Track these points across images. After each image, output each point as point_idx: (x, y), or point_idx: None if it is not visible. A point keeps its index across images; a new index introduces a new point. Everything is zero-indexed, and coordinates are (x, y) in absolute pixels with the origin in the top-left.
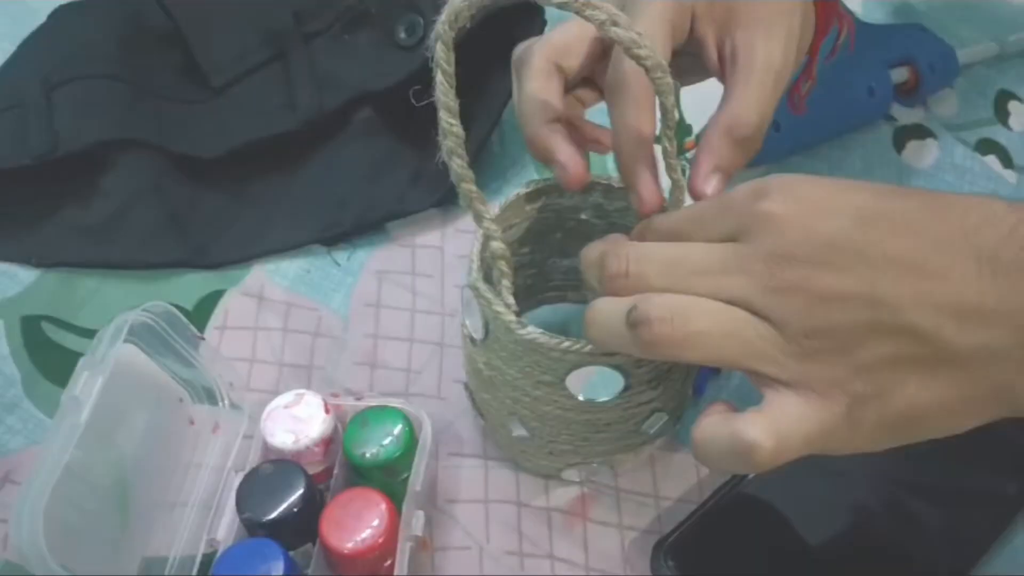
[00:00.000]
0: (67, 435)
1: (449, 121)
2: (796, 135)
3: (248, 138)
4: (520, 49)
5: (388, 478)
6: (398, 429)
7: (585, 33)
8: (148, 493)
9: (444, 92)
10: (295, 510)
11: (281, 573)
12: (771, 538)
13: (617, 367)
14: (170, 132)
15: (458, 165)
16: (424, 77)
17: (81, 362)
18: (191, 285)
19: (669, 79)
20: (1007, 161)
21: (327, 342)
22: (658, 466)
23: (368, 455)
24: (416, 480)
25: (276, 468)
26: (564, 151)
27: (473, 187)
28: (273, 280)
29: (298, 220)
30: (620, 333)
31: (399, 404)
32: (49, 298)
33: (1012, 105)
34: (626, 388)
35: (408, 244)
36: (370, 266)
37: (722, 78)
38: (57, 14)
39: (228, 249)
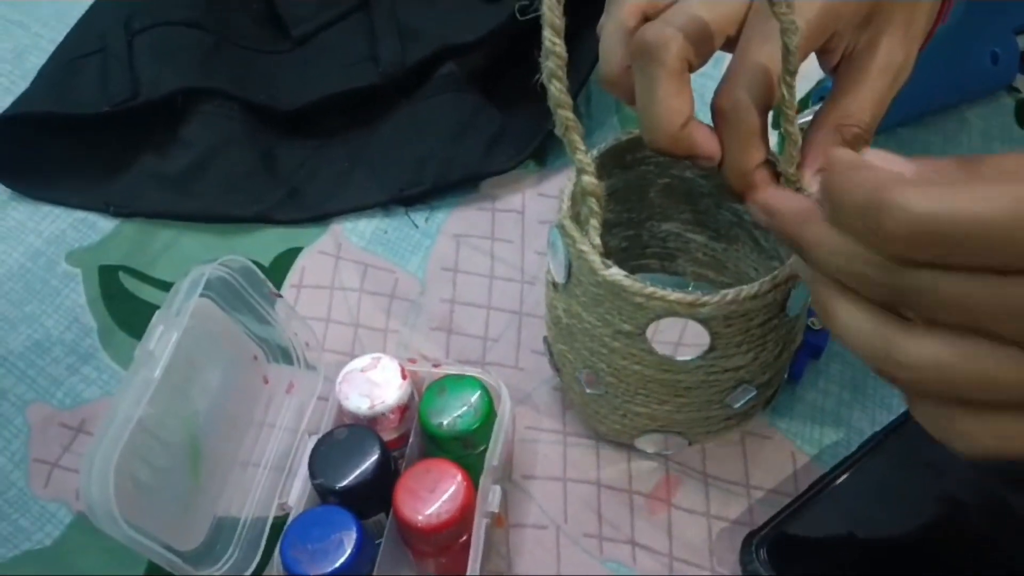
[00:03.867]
0: (140, 389)
1: (553, 40)
2: (908, 103)
3: (328, 91)
4: (649, 36)
5: (465, 450)
6: (476, 399)
7: (715, 22)
8: (221, 451)
9: (551, 7)
10: (369, 478)
11: (354, 543)
12: (868, 535)
13: (703, 321)
14: (250, 83)
15: (557, 89)
16: (510, 32)
17: (156, 315)
18: (268, 241)
19: (794, 17)
20: None
21: (404, 305)
22: (750, 452)
23: (445, 424)
24: (493, 454)
25: (351, 433)
26: (708, 144)
27: (571, 114)
28: (351, 239)
29: (377, 178)
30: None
31: (477, 373)
32: (127, 248)
33: None
34: (711, 349)
35: (488, 207)
36: (448, 229)
37: (832, 72)
38: None
39: (306, 205)
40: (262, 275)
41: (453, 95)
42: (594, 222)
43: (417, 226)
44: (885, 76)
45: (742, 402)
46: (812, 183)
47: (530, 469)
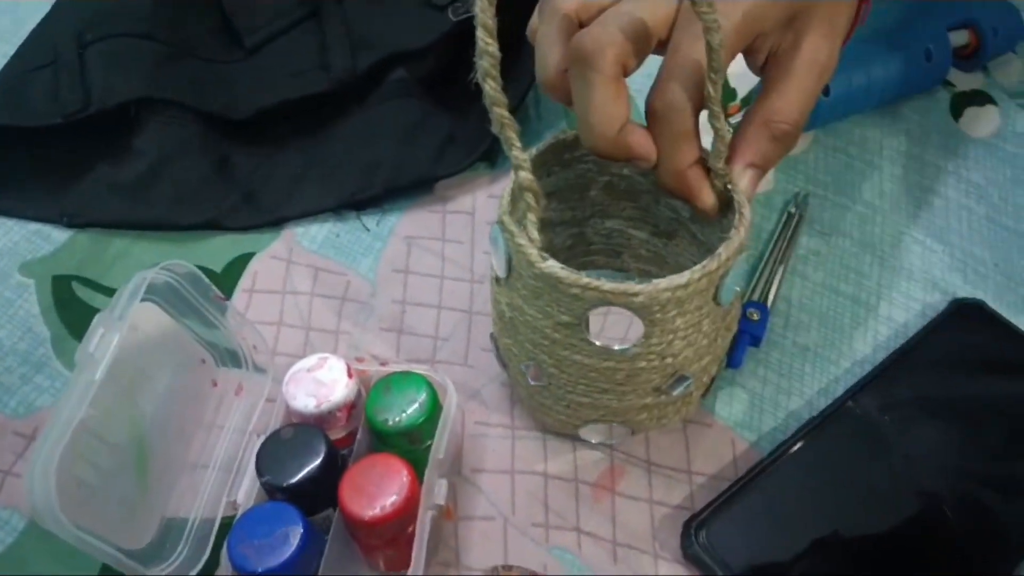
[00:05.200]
0: (81, 391)
1: (485, 40)
2: (847, 100)
3: (280, 98)
4: (586, 42)
5: (411, 445)
6: (422, 396)
7: (649, 25)
8: (168, 454)
9: (483, 8)
10: (315, 475)
11: (300, 538)
12: (807, 519)
13: (638, 310)
14: (202, 92)
15: (491, 87)
16: (458, 37)
17: (97, 318)
18: (221, 247)
19: (716, 16)
20: None
21: (355, 307)
22: (691, 440)
23: (391, 421)
24: (439, 447)
25: (297, 432)
26: (643, 147)
27: (506, 112)
28: (302, 244)
29: (329, 183)
30: None
31: (423, 370)
32: (80, 258)
33: None
34: (647, 337)
35: (439, 209)
36: (399, 231)
37: (760, 72)
38: None
39: (259, 211)
40: (207, 280)
41: (403, 100)
42: (531, 216)
43: (368, 229)
44: (811, 74)
45: (679, 390)
46: (741, 177)
47: (479, 463)
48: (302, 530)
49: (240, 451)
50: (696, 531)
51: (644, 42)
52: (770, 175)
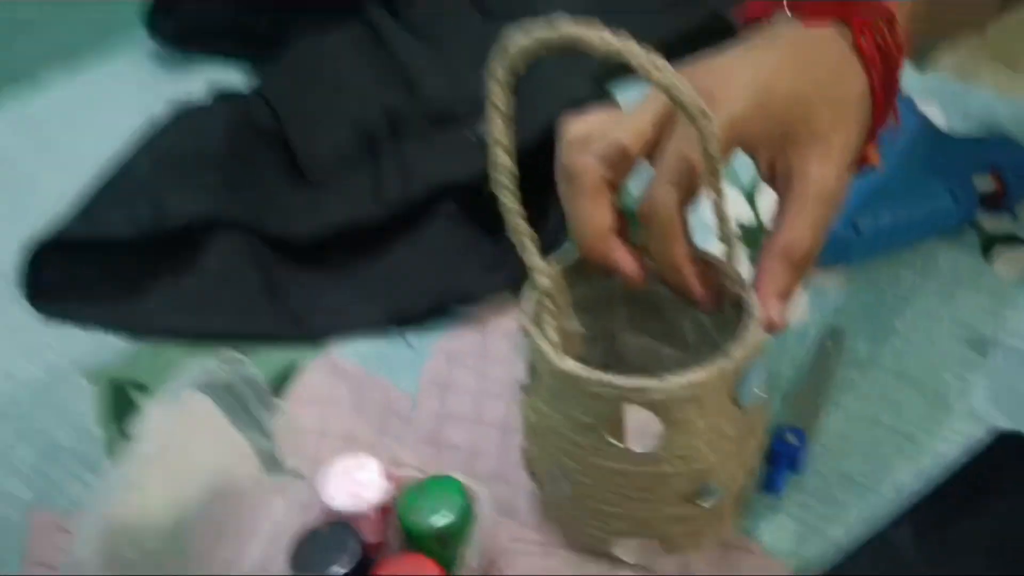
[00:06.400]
0: (128, 464)
1: (499, 154)
2: (877, 239)
3: (336, 226)
4: (568, 161)
5: (443, 550)
6: (456, 500)
7: (631, 142)
8: (207, 544)
9: (496, 128)
10: (347, 571)
11: None
12: None
13: (656, 407)
14: (266, 215)
15: (506, 198)
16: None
17: (154, 400)
18: (267, 358)
19: (712, 124)
20: None
21: (395, 420)
22: (736, 563)
23: (423, 523)
24: (472, 554)
25: (331, 530)
26: (623, 259)
27: (521, 220)
28: (347, 357)
29: (376, 303)
30: None
31: (459, 476)
32: (138, 365)
33: None
34: (666, 438)
35: (480, 328)
36: (441, 346)
37: (774, 188)
38: (175, 115)
39: (312, 325)
40: (263, 383)
41: (450, 227)
42: (550, 320)
43: (412, 346)
44: (819, 203)
45: (709, 500)
46: (771, 308)
47: None
48: None
49: (275, 553)
50: None
51: (623, 161)
52: (804, 306)
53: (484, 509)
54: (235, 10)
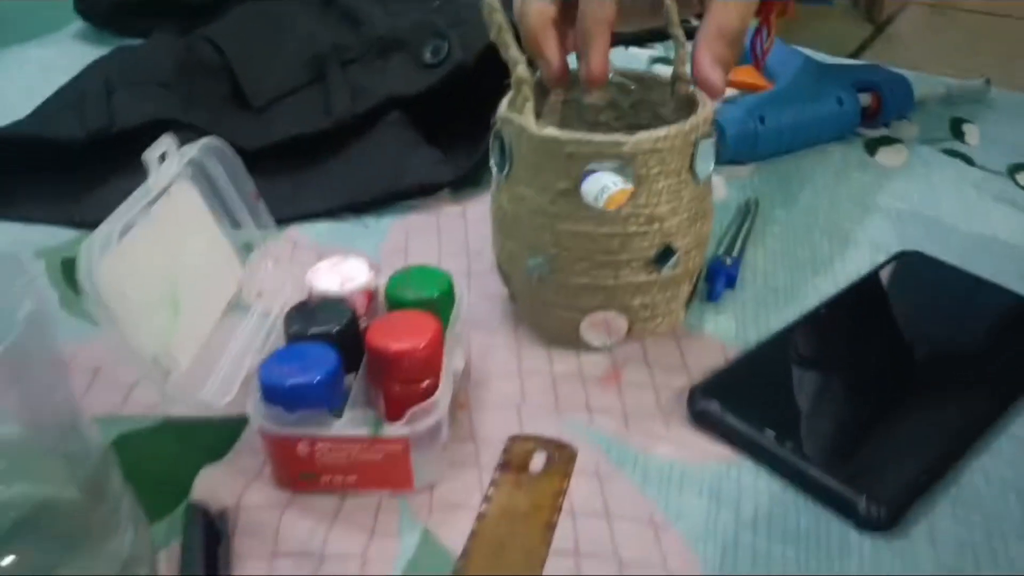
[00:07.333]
0: (139, 196)
1: None
2: (780, 134)
3: (286, 134)
4: None
5: None
6: (441, 280)
7: None
8: (197, 308)
9: None
10: (343, 330)
11: (332, 364)
12: (798, 381)
13: (628, 160)
14: (216, 126)
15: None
16: (448, 87)
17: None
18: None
19: None
20: (969, 162)
21: None
22: (684, 347)
23: (411, 296)
24: (456, 323)
25: (324, 302)
26: (551, 49)
27: (503, 17)
28: (305, 236)
29: (330, 192)
30: None
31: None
32: None
33: (966, 127)
34: (636, 196)
35: (434, 211)
36: (397, 226)
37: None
38: (120, 47)
39: (268, 210)
40: (247, 173)
41: (398, 132)
42: (528, 105)
43: (367, 227)
44: None
45: (668, 263)
46: (712, 72)
47: (487, 371)
48: (333, 359)
49: (268, 323)
50: (701, 394)
51: None
52: (721, 187)
53: (462, 291)
54: None
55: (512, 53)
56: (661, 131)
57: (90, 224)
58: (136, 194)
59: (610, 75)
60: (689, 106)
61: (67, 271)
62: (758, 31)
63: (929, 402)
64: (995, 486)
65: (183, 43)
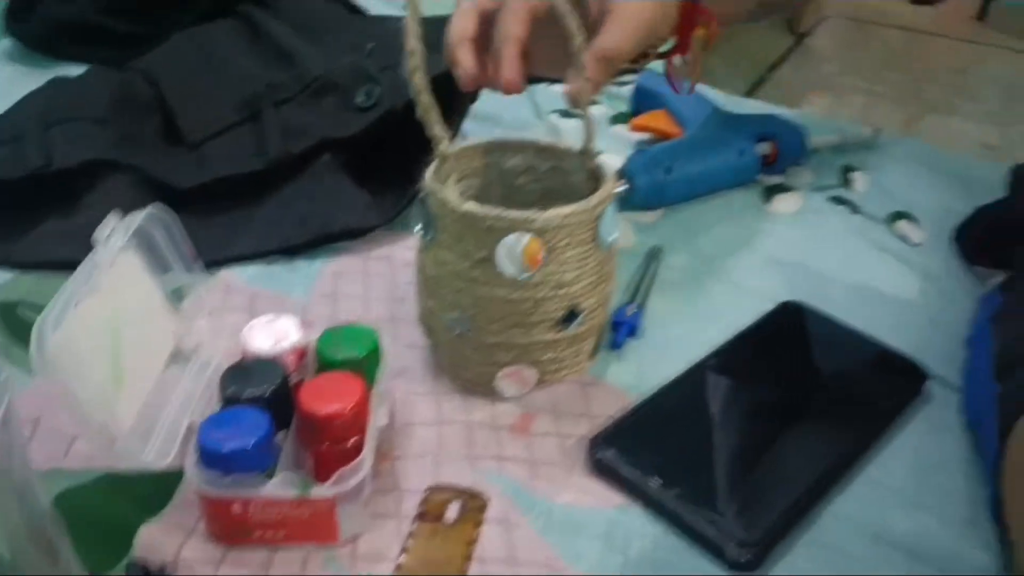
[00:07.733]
0: (88, 273)
1: (412, 42)
2: (685, 183)
3: (219, 174)
4: None
5: None
6: (368, 339)
7: None
8: (138, 370)
9: (411, 15)
10: (276, 391)
11: (264, 429)
12: (692, 427)
13: (540, 233)
14: (151, 164)
15: (418, 80)
16: (378, 130)
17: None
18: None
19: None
20: (855, 210)
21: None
22: (589, 395)
23: (340, 356)
24: (381, 380)
25: (257, 362)
26: (465, 58)
27: (429, 98)
28: (238, 278)
29: (263, 235)
30: None
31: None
32: (26, 290)
33: (854, 175)
34: (547, 264)
35: (362, 255)
36: (327, 270)
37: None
38: (55, 80)
39: (200, 254)
40: (184, 234)
41: (330, 175)
42: (451, 178)
43: (299, 271)
44: (631, 20)
45: (574, 323)
46: (577, 86)
47: (410, 419)
48: (266, 424)
49: (203, 383)
50: (599, 443)
51: None
52: (631, 234)
53: (388, 352)
54: (95, 11)
55: (436, 131)
56: (567, 208)
57: (29, 265)
58: (83, 268)
59: (528, 139)
60: (596, 177)
61: (6, 316)
62: (674, 51)
63: (797, 447)
64: (847, 526)
65: (118, 78)
